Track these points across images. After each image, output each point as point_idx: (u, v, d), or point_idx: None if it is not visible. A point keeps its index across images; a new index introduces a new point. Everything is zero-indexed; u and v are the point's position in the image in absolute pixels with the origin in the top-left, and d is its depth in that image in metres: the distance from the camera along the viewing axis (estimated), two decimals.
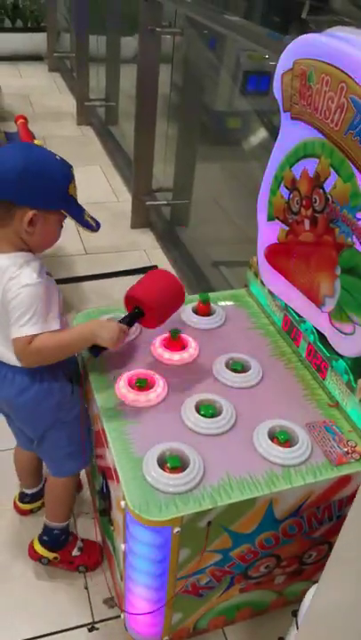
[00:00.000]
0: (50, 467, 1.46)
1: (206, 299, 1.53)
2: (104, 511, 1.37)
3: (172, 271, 2.86)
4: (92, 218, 1.25)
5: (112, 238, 3.10)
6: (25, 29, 6.38)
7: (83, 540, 1.57)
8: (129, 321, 1.25)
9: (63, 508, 1.50)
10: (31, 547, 1.53)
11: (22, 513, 1.66)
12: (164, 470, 1.10)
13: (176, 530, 1.06)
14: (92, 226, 1.23)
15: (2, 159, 1.12)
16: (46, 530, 1.52)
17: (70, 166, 1.19)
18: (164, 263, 2.92)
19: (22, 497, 1.66)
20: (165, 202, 3.15)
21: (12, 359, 1.23)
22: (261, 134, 2.83)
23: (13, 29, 6.32)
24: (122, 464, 1.13)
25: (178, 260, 2.92)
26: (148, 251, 3.04)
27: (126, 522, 1.11)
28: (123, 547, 1.18)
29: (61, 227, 1.23)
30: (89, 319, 1.44)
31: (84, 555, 1.54)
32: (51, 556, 1.52)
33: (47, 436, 1.38)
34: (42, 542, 1.52)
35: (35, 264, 1.18)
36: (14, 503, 1.67)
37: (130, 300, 1.26)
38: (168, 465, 1.11)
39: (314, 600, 0.92)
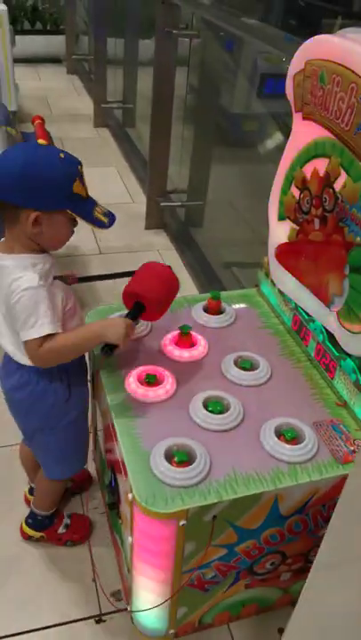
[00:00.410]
0: (42, 467, 1.49)
1: (217, 296, 1.55)
2: (113, 505, 1.39)
3: (186, 272, 2.89)
4: (105, 213, 1.22)
5: (126, 239, 3.13)
6: (44, 32, 6.47)
7: (71, 516, 1.63)
8: (133, 316, 1.26)
9: (48, 501, 1.56)
10: (21, 527, 1.62)
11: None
12: (171, 464, 1.12)
13: (182, 522, 1.08)
14: (103, 222, 1.20)
15: (4, 163, 1.13)
16: (31, 513, 1.59)
17: (77, 163, 1.17)
18: (177, 264, 2.94)
19: (31, 491, 1.69)
20: (180, 203, 3.17)
21: (20, 358, 1.26)
22: (277, 137, 2.84)
23: (32, 32, 6.41)
24: (130, 458, 1.15)
25: (191, 261, 2.94)
26: (161, 251, 3.06)
27: (134, 514, 1.13)
28: (130, 539, 1.20)
29: (74, 224, 1.22)
30: (100, 317, 1.47)
31: (71, 531, 1.61)
32: (37, 535, 1.60)
33: (36, 439, 1.41)
34: (27, 524, 1.60)
35: (40, 267, 1.18)
36: (25, 496, 1.70)
37: (129, 296, 1.27)
38: (175, 459, 1.13)
39: (298, 608, 0.91)
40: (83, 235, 1.28)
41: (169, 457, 1.14)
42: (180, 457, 1.13)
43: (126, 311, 1.28)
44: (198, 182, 3.03)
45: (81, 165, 1.19)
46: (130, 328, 1.23)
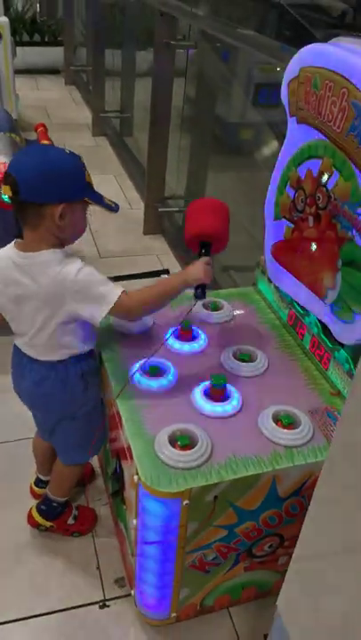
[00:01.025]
0: (60, 455, 1.55)
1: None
2: (117, 492, 1.45)
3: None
4: (110, 200, 1.31)
5: (125, 243, 3.20)
6: (42, 43, 6.58)
7: (78, 508, 1.68)
8: (205, 253, 1.34)
9: (66, 487, 1.61)
10: (30, 515, 1.65)
11: (37, 497, 1.74)
12: (174, 448, 1.18)
13: (185, 502, 1.13)
14: (113, 207, 1.30)
15: (23, 167, 1.19)
16: (46, 500, 1.63)
17: (80, 157, 1.26)
18: (176, 268, 3.02)
19: (38, 482, 1.74)
20: (177, 209, 3.25)
21: (35, 355, 1.33)
22: (271, 144, 2.93)
23: (31, 43, 6.52)
24: (135, 442, 1.21)
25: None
26: (160, 256, 3.13)
27: (139, 496, 1.18)
28: (134, 522, 1.25)
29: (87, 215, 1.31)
30: None
31: (78, 523, 1.66)
32: (47, 524, 1.64)
33: (59, 427, 1.47)
34: (39, 511, 1.63)
35: (72, 256, 1.26)
36: (30, 487, 1.75)
37: (194, 238, 1.35)
38: (178, 443, 1.19)
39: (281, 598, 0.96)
40: (82, 239, 1.35)
41: (172, 441, 1.20)
42: (182, 441, 1.19)
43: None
44: (195, 188, 3.11)
45: (82, 158, 1.27)
46: (208, 265, 1.32)
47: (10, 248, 1.28)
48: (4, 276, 1.27)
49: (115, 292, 1.24)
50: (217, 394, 1.30)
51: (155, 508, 1.16)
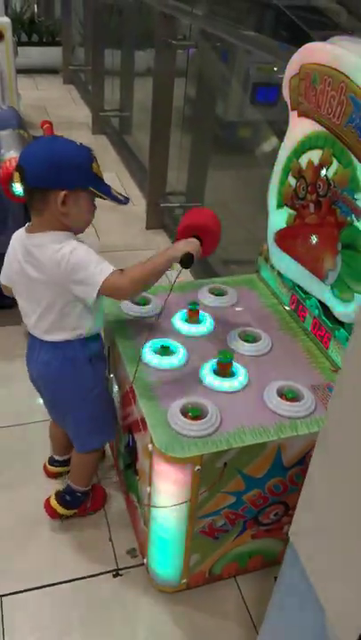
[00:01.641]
0: (75, 442, 1.59)
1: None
2: (129, 465, 1.53)
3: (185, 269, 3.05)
4: (120, 193, 1.36)
5: (127, 238, 3.28)
6: (41, 43, 6.65)
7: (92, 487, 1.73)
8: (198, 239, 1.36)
9: (87, 475, 1.65)
10: (49, 506, 1.66)
11: (51, 475, 1.81)
12: (186, 418, 1.26)
13: (197, 468, 1.22)
14: (121, 199, 1.35)
15: (33, 154, 1.29)
16: (69, 490, 1.65)
17: (90, 149, 1.32)
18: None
19: (52, 461, 1.81)
20: (178, 204, 3.33)
21: (41, 334, 1.39)
22: (268, 141, 3.02)
23: (30, 43, 6.58)
24: (149, 414, 1.29)
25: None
26: (161, 249, 3.22)
27: (153, 463, 1.27)
28: (148, 489, 1.34)
29: (94, 207, 1.35)
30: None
31: (93, 502, 1.71)
32: (70, 513, 1.67)
33: (70, 414, 1.53)
34: (63, 501, 1.65)
35: (73, 238, 1.33)
36: (44, 466, 1.83)
37: (188, 229, 1.39)
38: (190, 414, 1.27)
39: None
40: (86, 233, 1.42)
41: (184, 413, 1.28)
42: (194, 412, 1.27)
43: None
44: (196, 185, 3.19)
45: (93, 151, 1.33)
46: (197, 244, 1.35)
47: (21, 230, 1.37)
48: (14, 255, 1.36)
49: (105, 272, 1.27)
50: (224, 369, 1.38)
51: (168, 473, 1.25)
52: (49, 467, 1.82)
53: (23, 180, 1.28)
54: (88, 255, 1.29)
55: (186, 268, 1.34)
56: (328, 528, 0.83)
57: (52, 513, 1.67)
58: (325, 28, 2.29)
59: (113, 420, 1.59)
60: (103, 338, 1.53)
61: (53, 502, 1.66)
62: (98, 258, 1.30)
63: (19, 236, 1.37)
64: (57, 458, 1.80)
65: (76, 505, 1.67)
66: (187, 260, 1.32)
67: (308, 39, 1.37)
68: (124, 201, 1.36)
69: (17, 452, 1.92)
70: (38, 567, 1.60)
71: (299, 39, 1.44)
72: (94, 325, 1.42)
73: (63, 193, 1.26)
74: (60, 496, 1.66)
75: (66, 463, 1.80)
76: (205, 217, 1.43)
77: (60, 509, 1.66)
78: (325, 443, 0.86)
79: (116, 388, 1.60)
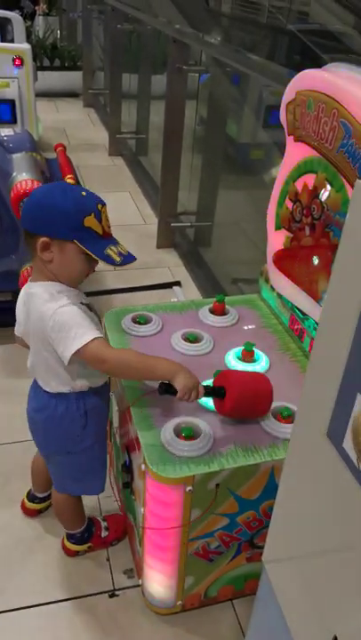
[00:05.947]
0: (54, 481, 1.55)
1: (222, 299, 1.72)
2: (126, 484, 1.54)
3: (195, 287, 3.08)
4: (120, 253, 1.27)
5: (139, 256, 3.21)
6: (62, 68, 6.86)
7: (105, 518, 1.71)
8: (208, 390, 1.30)
9: (75, 517, 1.62)
10: (64, 546, 1.66)
11: (29, 513, 1.76)
12: (179, 438, 1.27)
13: (188, 488, 1.22)
14: (113, 260, 1.24)
15: (33, 194, 1.30)
16: (69, 535, 1.65)
17: (97, 202, 1.24)
18: (187, 280, 3.13)
19: (32, 498, 1.76)
20: (189, 224, 3.38)
21: (48, 383, 1.36)
22: (279, 163, 3.05)
23: (52, 68, 6.79)
24: (143, 433, 1.31)
25: (200, 277, 3.12)
26: (172, 268, 3.26)
27: (146, 484, 1.27)
28: (142, 510, 1.34)
29: (90, 262, 1.27)
30: (117, 318, 1.65)
31: (112, 531, 1.68)
32: (84, 547, 1.66)
33: (53, 459, 1.50)
34: (73, 540, 1.65)
35: (66, 294, 1.27)
36: (22, 503, 1.77)
37: (220, 377, 1.33)
38: (183, 434, 1.28)
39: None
40: None
41: (177, 432, 1.29)
42: (187, 432, 1.28)
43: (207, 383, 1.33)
44: (207, 205, 3.23)
45: (103, 205, 1.25)
46: (197, 392, 1.27)
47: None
48: (19, 301, 1.36)
49: (84, 338, 1.21)
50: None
51: (160, 494, 1.25)
52: (28, 504, 1.76)
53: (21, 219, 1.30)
54: (72, 317, 1.23)
55: (161, 394, 1.29)
56: (295, 556, 0.83)
57: (68, 552, 1.67)
58: (340, 52, 2.33)
59: (100, 474, 1.52)
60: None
61: (66, 542, 1.66)
62: (82, 322, 1.23)
63: (25, 284, 1.36)
64: (37, 494, 1.75)
65: (84, 541, 1.66)
66: (165, 391, 1.28)
67: (323, 64, 1.40)
68: (118, 263, 1.25)
69: (13, 468, 1.93)
70: (34, 585, 1.61)
71: (313, 64, 1.46)
72: (94, 380, 1.38)
73: (43, 239, 1.23)
74: (66, 536, 1.66)
75: (46, 499, 1.76)
76: (240, 382, 1.30)
77: (74, 547, 1.66)
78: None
79: (115, 407, 1.61)
